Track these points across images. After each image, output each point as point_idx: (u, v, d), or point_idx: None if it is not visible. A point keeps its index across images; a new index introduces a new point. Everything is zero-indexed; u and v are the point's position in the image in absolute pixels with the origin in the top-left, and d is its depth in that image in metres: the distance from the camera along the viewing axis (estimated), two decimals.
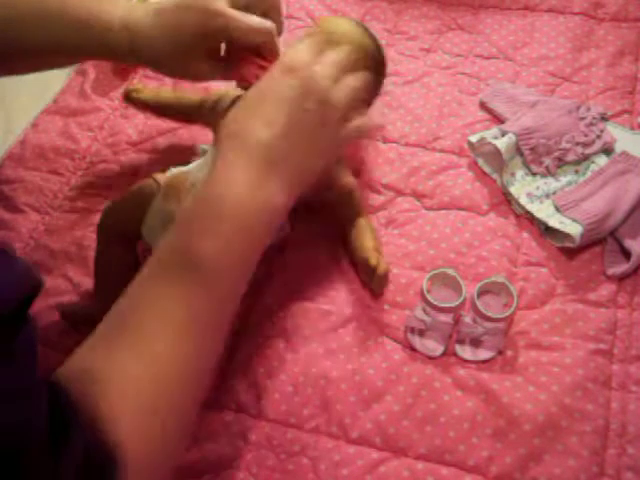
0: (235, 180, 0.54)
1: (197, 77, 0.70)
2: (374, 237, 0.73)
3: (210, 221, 0.53)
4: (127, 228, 0.70)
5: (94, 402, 0.44)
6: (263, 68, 0.63)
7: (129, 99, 0.85)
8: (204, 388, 0.53)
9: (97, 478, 0.41)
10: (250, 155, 0.55)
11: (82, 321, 0.73)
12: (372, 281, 0.71)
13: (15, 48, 0.67)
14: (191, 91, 0.84)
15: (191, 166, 0.72)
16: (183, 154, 0.84)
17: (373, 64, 0.77)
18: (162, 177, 0.71)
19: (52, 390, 0.41)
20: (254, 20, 0.63)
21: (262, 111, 0.56)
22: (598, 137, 0.81)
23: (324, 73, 0.59)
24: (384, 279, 0.71)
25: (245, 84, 0.64)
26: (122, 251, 0.70)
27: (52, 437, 0.39)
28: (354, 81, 0.61)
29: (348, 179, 0.76)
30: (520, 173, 0.79)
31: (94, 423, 0.43)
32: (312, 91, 0.57)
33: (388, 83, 0.83)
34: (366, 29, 0.78)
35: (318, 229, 0.78)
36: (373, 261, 0.69)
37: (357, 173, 0.82)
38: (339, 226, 0.76)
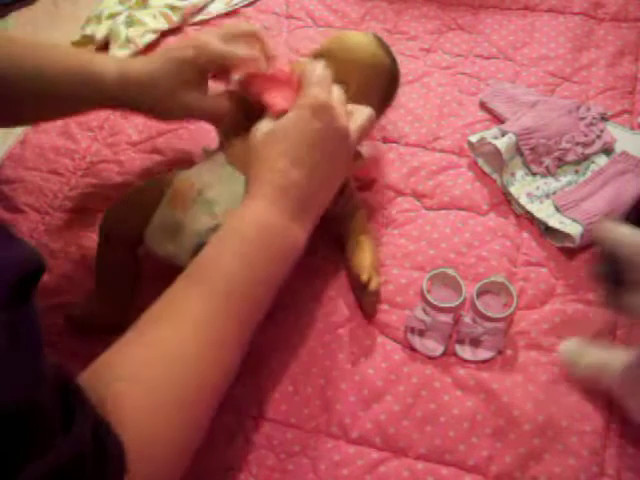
0: (267, 214, 0.59)
1: (191, 112, 0.73)
2: (373, 256, 0.72)
3: (236, 247, 0.58)
4: (129, 232, 0.69)
5: (103, 389, 0.46)
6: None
7: None
8: (217, 392, 0.54)
9: (103, 461, 0.42)
10: (282, 192, 0.60)
11: (84, 323, 0.73)
12: (364, 298, 0.71)
13: (18, 100, 0.69)
14: None
15: (196, 170, 0.70)
16: (183, 154, 0.84)
17: (388, 78, 0.78)
18: (167, 181, 0.69)
19: (61, 374, 0.42)
20: (242, 51, 0.70)
21: (293, 152, 0.60)
22: (598, 137, 0.81)
23: (342, 114, 0.62)
24: (375, 297, 0.71)
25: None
26: (123, 254, 0.70)
27: (59, 419, 0.39)
28: (364, 120, 0.66)
29: (354, 198, 0.75)
30: (520, 173, 0.79)
31: (100, 410, 0.44)
32: (335, 134, 0.62)
33: None
34: (381, 43, 0.78)
35: (319, 235, 0.77)
36: (365, 277, 0.68)
37: (368, 185, 0.82)
38: (341, 239, 0.75)
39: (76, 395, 0.42)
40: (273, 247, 0.59)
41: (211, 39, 0.70)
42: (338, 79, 0.67)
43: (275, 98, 0.65)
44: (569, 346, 0.66)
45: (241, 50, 0.70)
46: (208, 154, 0.72)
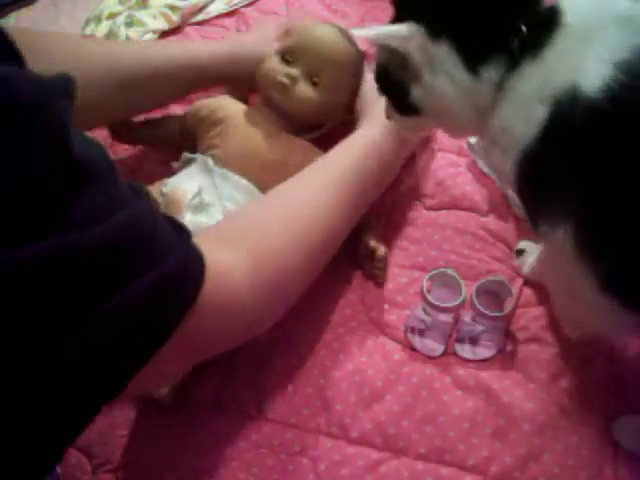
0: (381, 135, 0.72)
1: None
2: (377, 228, 0.75)
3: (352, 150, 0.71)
4: None
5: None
6: None
7: (116, 132, 0.82)
8: (325, 252, 0.66)
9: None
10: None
11: None
12: (373, 264, 0.73)
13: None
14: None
15: (185, 175, 0.72)
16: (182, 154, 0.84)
17: (355, 68, 0.79)
18: (155, 191, 0.70)
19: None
20: None
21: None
22: None
23: None
24: (384, 262, 0.73)
25: None
26: None
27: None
28: None
29: None
30: None
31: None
32: None
33: None
34: (345, 34, 0.79)
35: None
36: (371, 244, 0.72)
37: None
38: None
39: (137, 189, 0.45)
40: (384, 157, 0.72)
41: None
42: (311, 72, 0.74)
43: None
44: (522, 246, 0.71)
45: None
46: (188, 160, 0.73)
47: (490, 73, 0.53)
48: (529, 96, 0.52)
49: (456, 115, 0.57)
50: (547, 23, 0.52)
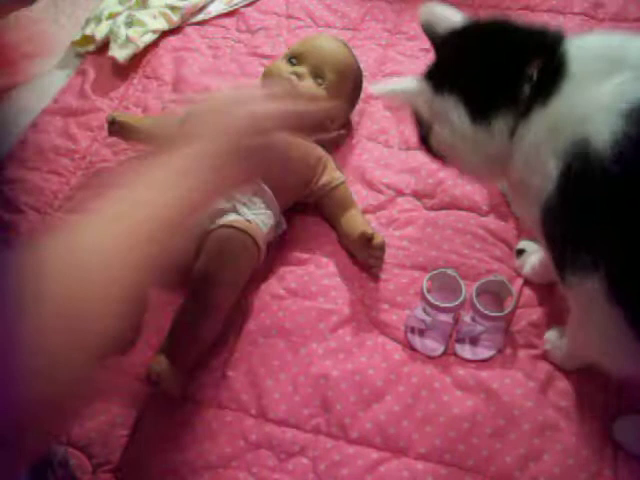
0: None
1: None
2: (365, 221, 0.76)
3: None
4: None
5: None
6: None
7: (114, 123, 0.83)
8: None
9: None
10: None
11: None
12: (370, 255, 0.73)
13: None
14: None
15: None
16: None
17: (356, 82, 0.84)
18: None
19: None
20: None
21: None
22: None
23: None
24: (381, 252, 0.73)
25: None
26: None
27: None
28: None
29: (330, 176, 0.78)
30: None
31: None
32: None
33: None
34: (350, 50, 0.84)
35: (314, 223, 0.79)
36: (369, 231, 0.72)
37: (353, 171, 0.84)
38: (330, 221, 0.78)
39: None
40: None
41: None
42: (315, 72, 0.79)
43: None
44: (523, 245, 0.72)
45: None
46: None
47: (499, 123, 0.53)
48: (541, 148, 0.51)
49: (467, 162, 0.58)
50: (555, 68, 0.50)
